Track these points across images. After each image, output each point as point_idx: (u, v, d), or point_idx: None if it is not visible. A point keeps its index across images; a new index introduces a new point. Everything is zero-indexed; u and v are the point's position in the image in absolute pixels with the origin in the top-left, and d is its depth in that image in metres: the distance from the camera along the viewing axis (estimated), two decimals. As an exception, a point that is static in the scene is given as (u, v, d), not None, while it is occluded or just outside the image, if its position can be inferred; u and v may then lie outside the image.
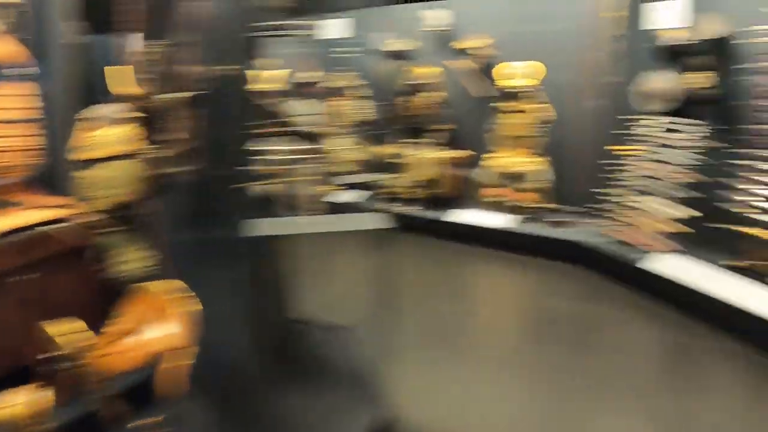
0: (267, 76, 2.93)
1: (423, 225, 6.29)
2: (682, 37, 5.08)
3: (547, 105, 5.88)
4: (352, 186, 7.02)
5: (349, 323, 3.35)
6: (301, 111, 2.75)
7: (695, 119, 4.95)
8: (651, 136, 5.19)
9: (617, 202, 5.32)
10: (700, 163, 4.83)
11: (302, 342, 2.96)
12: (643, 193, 5.17)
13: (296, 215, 2.55)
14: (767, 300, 4.01)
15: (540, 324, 4.42)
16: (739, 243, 4.56)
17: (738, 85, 4.68)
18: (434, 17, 6.96)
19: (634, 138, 5.32)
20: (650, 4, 5.50)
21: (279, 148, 2.56)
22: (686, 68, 5.05)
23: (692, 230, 5.06)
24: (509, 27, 6.44)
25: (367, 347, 3.10)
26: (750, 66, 4.50)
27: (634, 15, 5.62)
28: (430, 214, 6.35)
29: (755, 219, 4.42)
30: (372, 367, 2.89)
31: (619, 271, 5.03)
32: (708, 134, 4.86)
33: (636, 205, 5.17)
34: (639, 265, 4.85)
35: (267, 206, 2.49)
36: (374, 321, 3.95)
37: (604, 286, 4.92)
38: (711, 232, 4.76)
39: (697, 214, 4.76)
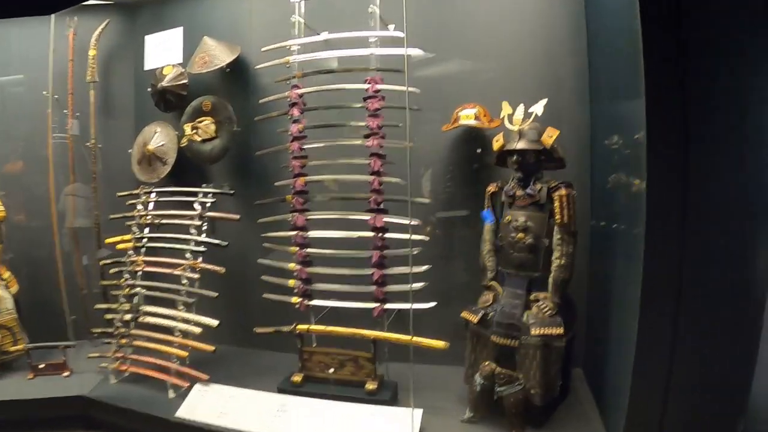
0: None
1: None
2: (174, 77, 3.62)
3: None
4: None
5: None
6: None
7: (203, 182, 3.45)
8: (145, 216, 3.48)
9: (124, 322, 3.38)
10: (219, 243, 3.29)
11: None
12: (154, 301, 3.38)
13: None
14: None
15: None
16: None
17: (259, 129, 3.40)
18: None
19: (130, 223, 3.53)
20: (151, 36, 3.93)
21: None
22: (187, 116, 3.60)
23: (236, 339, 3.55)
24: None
25: None
26: (271, 100, 3.23)
27: (139, 53, 3.96)
28: None
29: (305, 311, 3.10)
30: None
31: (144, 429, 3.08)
32: (217, 200, 3.40)
33: (149, 320, 3.33)
34: (164, 415, 3.01)
35: None
36: None
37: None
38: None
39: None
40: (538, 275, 2.84)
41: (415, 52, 2.88)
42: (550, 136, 2.81)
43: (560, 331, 2.69)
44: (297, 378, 3.11)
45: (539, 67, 3.31)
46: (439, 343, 2.86)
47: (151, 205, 3.52)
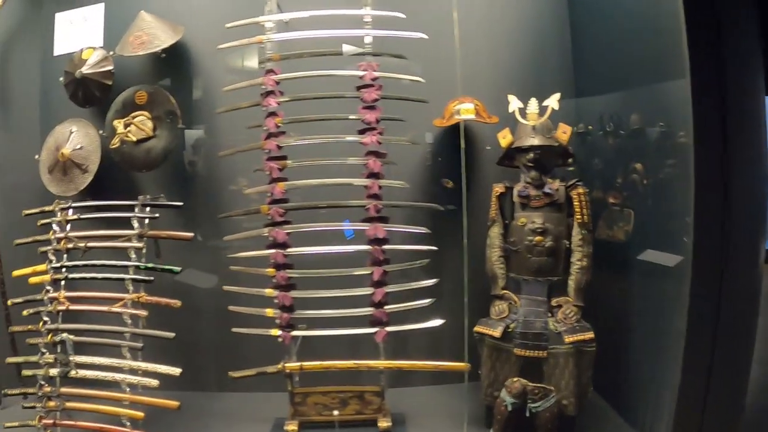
0: None
1: None
2: (97, 61, 2.85)
3: None
4: None
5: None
6: None
7: (133, 193, 2.72)
8: (65, 240, 2.70)
9: (50, 378, 2.58)
10: (171, 268, 2.63)
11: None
12: (86, 349, 2.62)
13: None
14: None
15: None
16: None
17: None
18: None
19: (44, 249, 2.72)
20: (63, 14, 3.08)
21: None
22: (115, 110, 2.87)
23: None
24: None
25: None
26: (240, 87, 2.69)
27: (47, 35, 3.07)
28: None
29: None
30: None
31: None
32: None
33: (84, 374, 2.57)
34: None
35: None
36: None
37: None
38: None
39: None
40: (558, 279, 2.64)
41: (418, 36, 2.52)
42: (564, 132, 2.63)
43: (591, 335, 2.53)
44: (291, 427, 2.56)
45: (523, 62, 3.17)
46: (462, 365, 2.53)
47: (69, 225, 2.74)
